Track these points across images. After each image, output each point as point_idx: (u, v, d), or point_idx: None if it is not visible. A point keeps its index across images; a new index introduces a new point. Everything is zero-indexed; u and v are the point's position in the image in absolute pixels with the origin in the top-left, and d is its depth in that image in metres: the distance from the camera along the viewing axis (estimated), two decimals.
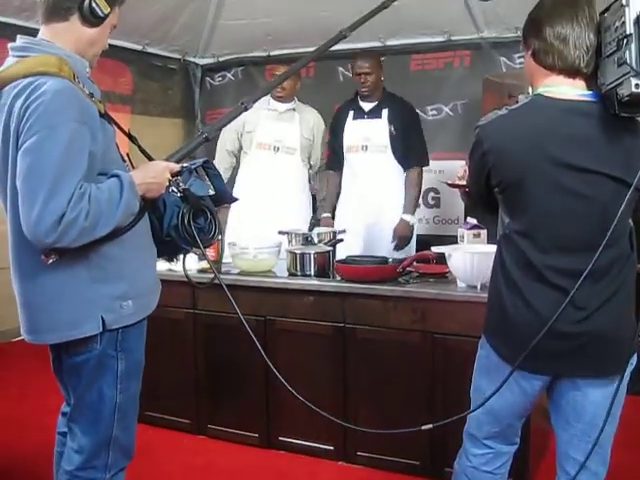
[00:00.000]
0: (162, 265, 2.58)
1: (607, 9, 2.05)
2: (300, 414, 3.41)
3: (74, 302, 2.21)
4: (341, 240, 3.96)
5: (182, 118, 6.82)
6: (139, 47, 6.02)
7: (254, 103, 2.64)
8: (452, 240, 3.78)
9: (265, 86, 2.75)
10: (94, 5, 2.17)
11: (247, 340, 2.91)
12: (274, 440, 3.78)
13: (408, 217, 4.66)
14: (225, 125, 2.66)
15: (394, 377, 3.42)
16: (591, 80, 2.14)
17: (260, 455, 3.78)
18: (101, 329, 2.23)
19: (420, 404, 3.32)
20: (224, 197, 2.57)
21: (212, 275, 2.51)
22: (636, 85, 1.88)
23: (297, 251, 3.70)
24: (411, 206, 4.69)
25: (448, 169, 5.64)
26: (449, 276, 3.44)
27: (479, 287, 3.19)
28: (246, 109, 2.60)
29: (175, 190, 2.34)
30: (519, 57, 5.63)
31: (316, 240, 3.84)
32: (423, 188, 4.96)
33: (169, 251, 2.53)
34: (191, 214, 2.34)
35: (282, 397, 3.59)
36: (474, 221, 3.61)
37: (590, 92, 2.13)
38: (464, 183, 2.91)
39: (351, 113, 4.75)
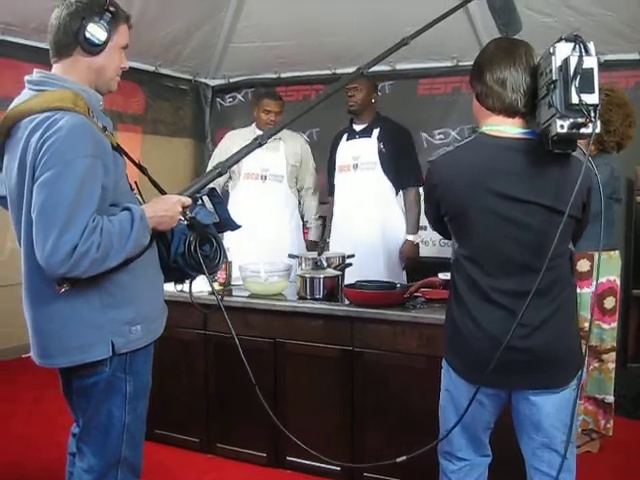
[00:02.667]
0: (172, 287, 2.64)
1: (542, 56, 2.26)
2: (308, 434, 3.46)
3: (85, 327, 2.27)
4: (350, 264, 4.02)
5: (192, 138, 6.89)
6: (152, 68, 6.11)
7: (269, 139, 2.73)
8: None
9: (281, 122, 2.82)
10: (89, 35, 2.23)
11: (256, 361, 3.00)
12: (282, 460, 3.83)
13: (412, 237, 4.75)
14: (239, 160, 2.73)
15: (401, 401, 3.47)
16: (531, 118, 2.34)
17: (268, 474, 3.83)
18: (111, 353, 2.29)
19: (426, 427, 3.37)
20: (228, 224, 2.64)
21: (224, 297, 2.60)
22: (561, 126, 2.09)
23: (307, 275, 3.77)
24: (413, 226, 4.78)
25: None
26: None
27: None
28: (260, 145, 2.66)
29: (182, 218, 2.42)
30: None
31: (325, 264, 3.91)
32: None
33: (176, 277, 2.59)
34: (197, 242, 2.42)
35: (290, 417, 3.65)
36: None
37: (528, 130, 2.33)
38: None
39: (345, 136, 4.89)
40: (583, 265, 3.99)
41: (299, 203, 5.27)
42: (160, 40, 5.68)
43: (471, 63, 5.82)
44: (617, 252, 4.10)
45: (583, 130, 2.09)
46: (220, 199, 2.61)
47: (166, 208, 2.34)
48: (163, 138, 6.41)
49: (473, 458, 2.59)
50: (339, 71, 6.24)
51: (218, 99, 7.02)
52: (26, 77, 2.31)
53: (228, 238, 4.81)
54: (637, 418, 4.62)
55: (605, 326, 4.05)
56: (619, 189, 4.01)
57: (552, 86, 2.11)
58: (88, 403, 2.37)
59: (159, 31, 5.49)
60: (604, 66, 5.38)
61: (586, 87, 2.05)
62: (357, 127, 4.84)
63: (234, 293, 3.97)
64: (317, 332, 3.64)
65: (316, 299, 3.72)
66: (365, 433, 3.58)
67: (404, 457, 2.40)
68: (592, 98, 2.05)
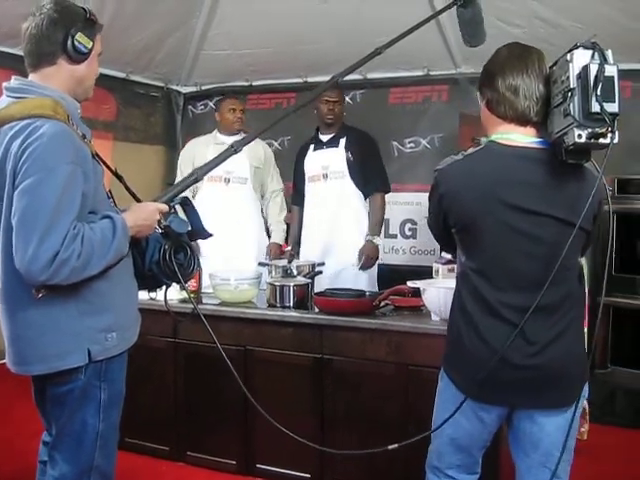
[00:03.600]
0: (144, 295, 2.65)
1: (555, 63, 2.22)
2: (278, 442, 3.47)
3: (62, 335, 2.26)
4: (320, 272, 4.05)
5: (163, 145, 6.86)
6: (123, 75, 6.07)
7: (244, 146, 2.76)
8: (428, 270, 3.88)
9: (257, 129, 2.80)
10: (77, 43, 2.27)
11: (226, 369, 3.00)
12: (252, 467, 3.83)
13: (374, 239, 4.81)
14: (214, 167, 2.73)
15: (370, 407, 3.49)
16: (542, 127, 2.29)
17: None
18: (87, 360, 2.29)
19: (395, 434, 3.38)
20: (200, 233, 2.66)
21: (192, 306, 2.61)
22: (579, 135, 2.03)
23: (277, 283, 3.79)
24: (376, 228, 4.86)
25: (425, 201, 5.69)
26: (424, 309, 3.52)
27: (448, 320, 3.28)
28: (236, 152, 2.70)
29: (156, 227, 2.45)
30: None
31: (295, 272, 3.93)
32: (400, 219, 5.11)
33: (150, 285, 2.61)
34: (172, 250, 2.45)
35: (260, 425, 3.65)
36: (449, 256, 3.71)
37: (540, 139, 2.28)
38: None
39: (311, 146, 4.98)
40: None
41: (262, 207, 5.30)
42: (132, 47, 5.65)
43: (441, 73, 5.90)
44: (583, 260, 4.14)
45: (602, 140, 2.05)
46: (193, 208, 2.63)
47: (145, 217, 2.37)
48: (134, 145, 6.37)
49: (462, 477, 2.51)
50: (311, 79, 6.25)
51: (190, 106, 7.00)
52: (4, 84, 2.33)
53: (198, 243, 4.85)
54: (605, 423, 4.67)
55: None
56: None
57: (569, 94, 2.06)
58: (62, 411, 2.37)
59: (131, 38, 5.47)
60: None
61: (607, 95, 2.00)
62: (324, 137, 4.95)
63: (204, 301, 3.98)
64: (287, 340, 3.65)
65: (286, 307, 3.74)
66: (335, 440, 3.58)
67: (396, 445, 2.36)
68: (613, 107, 2.01)
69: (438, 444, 2.50)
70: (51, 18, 2.25)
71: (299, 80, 6.36)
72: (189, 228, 2.55)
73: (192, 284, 4.00)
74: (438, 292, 3.31)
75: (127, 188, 2.49)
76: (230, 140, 4.95)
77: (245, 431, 3.80)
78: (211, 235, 2.69)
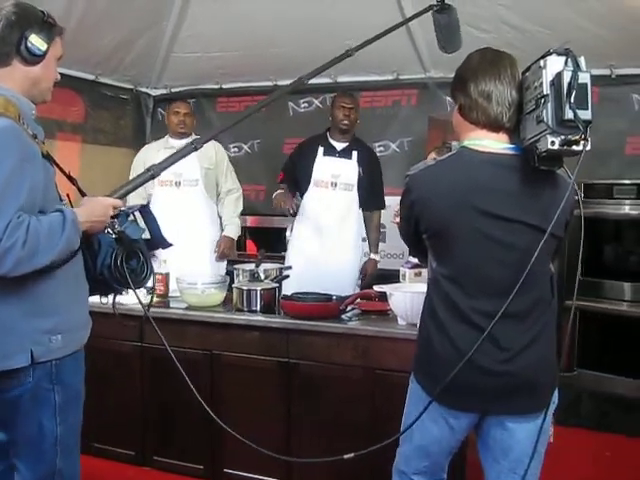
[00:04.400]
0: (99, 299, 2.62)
1: (528, 69, 2.22)
2: (246, 446, 3.45)
3: (5, 335, 2.23)
4: (287, 276, 4.04)
5: (133, 148, 6.75)
6: (91, 77, 6.01)
7: (204, 144, 2.75)
8: (396, 274, 3.90)
9: (219, 127, 2.75)
10: (30, 45, 2.27)
11: (193, 373, 2.97)
12: (219, 472, 3.82)
13: (377, 257, 4.93)
14: (172, 164, 2.72)
15: (337, 412, 3.49)
16: (515, 133, 2.28)
17: None
18: (30, 362, 2.25)
19: (361, 438, 3.39)
20: (160, 242, 2.66)
21: (160, 309, 2.58)
22: (552, 142, 2.04)
23: (244, 287, 3.78)
24: (376, 246, 5.01)
25: (394, 204, 5.68)
26: (390, 313, 3.53)
27: (418, 325, 3.30)
28: (195, 149, 2.70)
29: (110, 232, 2.44)
30: None
31: (263, 276, 3.92)
32: None
33: (101, 289, 2.55)
34: (124, 256, 2.42)
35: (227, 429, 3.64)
36: (415, 260, 3.72)
37: (513, 145, 2.27)
38: None
39: (321, 149, 4.90)
40: None
41: (217, 207, 5.28)
42: (101, 48, 5.60)
43: (410, 77, 5.91)
44: (551, 265, 4.18)
45: (574, 147, 2.05)
46: (153, 216, 2.62)
47: (98, 213, 2.37)
48: (103, 148, 6.31)
49: None
50: (280, 82, 6.24)
51: (159, 109, 6.95)
52: None
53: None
54: (570, 426, 4.71)
55: None
56: None
57: (542, 101, 2.06)
58: (16, 416, 2.33)
59: (99, 39, 5.42)
60: None
61: (580, 103, 2.00)
62: (337, 145, 4.92)
63: (171, 305, 3.95)
64: (253, 344, 3.64)
65: (253, 311, 3.73)
66: (302, 444, 3.58)
67: (352, 454, 2.32)
68: (586, 114, 2.00)
69: (406, 449, 2.50)
70: (8, 20, 2.27)
71: (269, 83, 6.36)
72: (145, 235, 2.55)
73: (159, 288, 3.99)
74: (404, 296, 3.32)
75: (80, 191, 2.47)
76: (180, 144, 4.94)
77: (212, 435, 3.79)
78: (171, 245, 2.68)
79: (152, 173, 2.57)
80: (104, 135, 6.39)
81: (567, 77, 2.00)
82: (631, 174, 5.25)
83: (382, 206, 5.04)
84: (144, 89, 6.81)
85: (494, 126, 2.27)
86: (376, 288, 3.50)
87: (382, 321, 3.52)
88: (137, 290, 2.51)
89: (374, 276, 4.90)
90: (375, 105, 6.10)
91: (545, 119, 2.04)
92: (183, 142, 4.89)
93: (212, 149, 5.15)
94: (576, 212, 4.95)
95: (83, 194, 2.45)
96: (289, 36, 5.47)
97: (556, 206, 2.11)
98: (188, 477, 3.88)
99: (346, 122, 4.84)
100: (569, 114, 1.99)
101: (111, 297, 2.58)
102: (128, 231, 2.45)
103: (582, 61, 2.05)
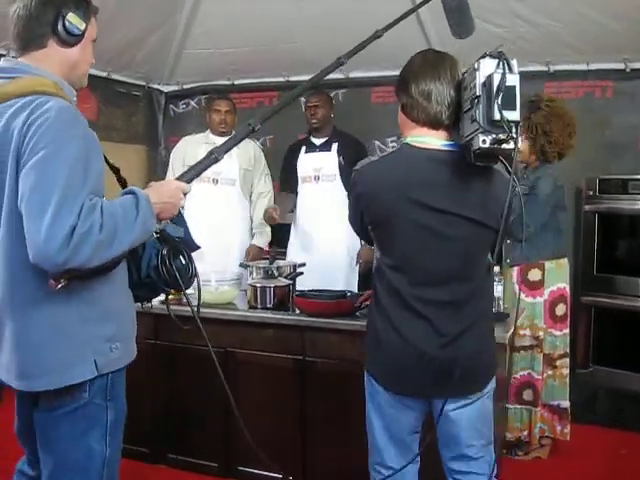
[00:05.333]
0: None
1: (467, 70, 2.32)
2: (259, 444, 3.44)
3: (64, 342, 2.04)
4: (301, 273, 4.03)
5: (145, 145, 6.81)
6: (104, 74, 6.02)
7: (224, 154, 2.53)
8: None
9: (236, 136, 2.62)
10: (68, 24, 2.09)
11: (207, 370, 2.95)
12: (233, 469, 3.82)
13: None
14: (234, 146, 2.63)
15: (351, 409, 3.46)
16: (455, 131, 2.40)
17: None
18: (96, 373, 2.09)
19: None
20: (188, 245, 2.46)
21: (175, 306, 2.44)
22: (483, 141, 2.15)
23: (257, 284, 3.77)
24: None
25: None
26: None
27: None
28: (217, 160, 2.48)
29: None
30: None
31: (276, 273, 3.91)
32: None
33: (144, 295, 2.39)
34: (171, 255, 2.25)
35: (241, 427, 3.64)
36: None
37: (451, 142, 2.40)
38: None
39: (304, 148, 5.03)
40: (535, 274, 4.07)
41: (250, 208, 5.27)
42: (113, 45, 5.60)
43: None
44: (565, 259, 4.17)
45: (505, 146, 2.16)
46: (183, 218, 2.44)
47: (170, 194, 2.20)
48: (115, 145, 6.30)
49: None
50: (293, 78, 6.23)
51: (171, 105, 6.95)
52: None
53: None
54: (586, 423, 4.69)
55: (557, 333, 4.14)
56: (563, 197, 4.10)
57: (475, 101, 2.16)
58: (62, 438, 2.11)
59: (111, 36, 5.40)
60: (554, 76, 5.54)
61: (508, 104, 2.10)
62: (316, 141, 5.01)
63: (184, 301, 3.93)
64: (268, 341, 3.64)
65: (267, 308, 3.72)
66: (316, 442, 3.58)
67: None
68: (514, 115, 2.10)
69: (374, 440, 2.62)
70: None
71: (281, 79, 6.34)
72: (181, 234, 2.38)
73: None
74: None
75: (121, 180, 2.31)
76: (221, 141, 4.93)
77: (226, 433, 3.78)
78: (199, 247, 2.52)
79: (215, 156, 2.41)
80: (117, 132, 6.40)
81: (497, 79, 2.10)
82: None
83: None
84: (156, 86, 6.80)
85: (434, 124, 2.39)
86: None
87: None
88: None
89: (370, 263, 4.84)
90: (387, 101, 6.05)
91: (477, 118, 2.14)
92: (223, 139, 4.86)
93: (251, 150, 5.17)
94: (590, 207, 5.00)
95: (124, 185, 2.27)
96: (301, 31, 5.45)
97: (491, 200, 2.33)
98: (202, 475, 3.88)
99: (314, 120, 4.96)
100: (497, 115, 2.09)
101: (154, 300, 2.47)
102: (169, 229, 2.28)
103: (514, 64, 2.13)
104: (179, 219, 2.39)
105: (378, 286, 2.50)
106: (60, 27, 2.09)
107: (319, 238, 4.96)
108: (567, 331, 4.19)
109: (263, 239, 5.17)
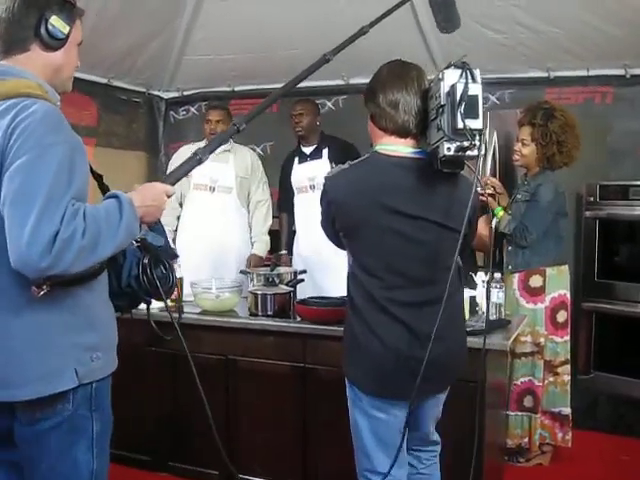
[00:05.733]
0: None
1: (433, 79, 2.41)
2: (260, 452, 3.45)
3: (43, 351, 1.99)
4: (302, 280, 4.03)
5: (145, 151, 6.80)
6: (104, 80, 6.01)
7: (209, 155, 2.44)
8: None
9: (220, 136, 2.59)
10: (51, 28, 2.05)
11: (208, 378, 2.94)
12: (234, 477, 3.80)
13: None
14: (217, 147, 2.61)
15: None
16: (422, 138, 2.50)
17: None
18: (77, 383, 2.03)
19: None
20: (166, 253, 2.39)
21: (174, 314, 2.38)
22: (448, 148, 2.25)
23: (258, 291, 3.76)
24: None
25: None
26: None
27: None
28: (200, 162, 2.39)
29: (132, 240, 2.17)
30: None
31: (277, 281, 3.91)
32: None
33: (124, 304, 2.34)
34: (152, 263, 2.22)
35: (242, 434, 3.64)
36: None
37: (419, 150, 2.49)
38: None
39: (296, 159, 5.06)
40: (536, 281, 4.08)
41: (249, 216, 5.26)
42: (113, 52, 5.60)
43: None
44: (566, 266, 4.18)
45: (469, 153, 2.26)
46: (161, 226, 2.37)
47: (153, 197, 2.14)
48: (116, 151, 6.30)
49: (394, 471, 2.61)
50: None
51: (171, 112, 6.96)
52: None
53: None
54: (587, 429, 4.69)
55: (558, 339, 4.14)
56: (564, 204, 4.12)
57: (440, 110, 2.26)
58: (47, 452, 2.05)
59: (112, 43, 5.42)
60: (554, 82, 5.54)
61: (471, 113, 2.20)
62: (306, 150, 5.05)
63: (185, 309, 3.93)
64: (269, 349, 3.63)
65: (268, 315, 3.72)
66: (317, 448, 3.57)
67: None
68: (476, 123, 2.20)
69: (362, 446, 2.65)
70: (24, 0, 2.05)
71: (281, 85, 6.34)
72: (163, 243, 2.32)
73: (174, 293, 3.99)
74: None
75: (103, 187, 2.23)
76: (218, 149, 4.94)
77: (227, 440, 3.77)
78: (177, 256, 2.49)
79: (200, 157, 2.35)
80: (117, 138, 6.39)
81: (460, 89, 2.19)
82: None
83: None
84: (156, 92, 6.80)
85: (401, 133, 2.48)
86: None
87: None
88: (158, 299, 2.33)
89: None
90: None
91: (442, 127, 2.25)
92: (221, 147, 4.88)
93: (249, 158, 5.18)
94: (590, 214, 5.01)
95: (105, 191, 2.18)
96: (302, 38, 5.45)
97: (458, 205, 2.40)
98: None
99: (298, 129, 5.00)
100: (460, 123, 2.19)
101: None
102: (150, 238, 2.21)
103: (477, 74, 2.23)
104: (158, 228, 2.33)
105: (353, 291, 2.57)
106: (43, 31, 2.05)
107: (318, 247, 4.85)
108: (568, 338, 4.19)
109: (262, 247, 5.15)
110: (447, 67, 2.26)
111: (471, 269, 3.87)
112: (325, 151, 4.95)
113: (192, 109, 6.90)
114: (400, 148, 2.48)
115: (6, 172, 1.86)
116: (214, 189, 5.02)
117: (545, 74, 5.53)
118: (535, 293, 4.08)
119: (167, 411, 3.94)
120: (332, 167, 4.78)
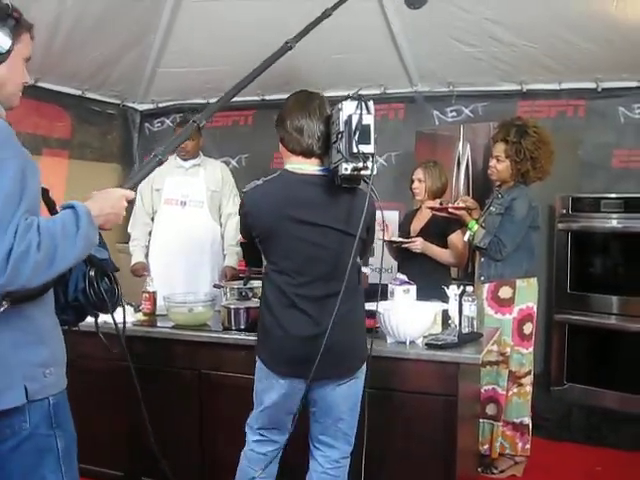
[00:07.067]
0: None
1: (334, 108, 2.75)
2: (235, 466, 3.41)
3: None
4: None
5: (120, 163, 6.78)
6: (78, 92, 5.99)
7: (167, 155, 2.38)
8: (385, 288, 3.88)
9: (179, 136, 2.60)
10: None
11: (181, 392, 2.92)
12: None
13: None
14: (178, 146, 2.69)
15: None
16: (326, 158, 2.86)
17: None
18: (25, 399, 1.95)
19: (358, 454, 3.37)
20: (110, 265, 2.31)
21: (148, 328, 2.36)
22: (345, 168, 2.63)
23: (231, 306, 3.75)
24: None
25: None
26: (379, 330, 3.51)
27: (407, 343, 3.32)
28: (161, 163, 2.34)
29: None
30: (451, 111, 5.86)
31: (250, 294, 3.90)
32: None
33: (71, 319, 2.26)
34: (99, 277, 2.18)
35: (216, 448, 3.62)
36: (404, 277, 3.72)
37: (322, 168, 2.88)
38: (394, 239, 4.21)
39: None
40: (505, 292, 4.11)
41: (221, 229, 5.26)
42: (88, 64, 5.58)
43: (398, 91, 6.00)
44: (535, 279, 4.22)
45: (362, 172, 2.63)
46: (102, 239, 2.25)
47: (112, 204, 2.10)
48: (90, 163, 6.28)
49: (271, 436, 3.08)
50: (268, 97, 6.27)
51: (146, 124, 6.96)
52: None
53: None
54: (561, 440, 4.71)
55: (524, 351, 4.19)
56: (537, 218, 4.17)
57: (340, 136, 2.62)
58: (11, 476, 2.00)
59: (86, 55, 5.40)
60: (527, 95, 5.60)
61: (364, 139, 2.57)
62: None
63: (158, 323, 3.92)
64: (242, 363, 3.60)
65: (240, 330, 3.70)
66: (297, 459, 3.54)
67: None
68: (368, 148, 2.58)
69: (255, 411, 3.07)
70: None
71: (257, 98, 6.37)
72: (107, 256, 2.28)
73: (147, 306, 3.98)
74: (394, 315, 3.37)
75: (49, 203, 2.15)
76: (188, 164, 5.03)
77: (202, 455, 3.76)
78: (118, 270, 2.43)
79: (159, 158, 2.29)
80: (91, 150, 6.38)
81: (355, 119, 2.58)
82: (618, 188, 5.29)
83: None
84: (131, 104, 6.80)
85: (306, 154, 2.86)
86: (366, 305, 3.49)
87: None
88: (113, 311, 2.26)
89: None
90: None
91: (341, 150, 2.62)
92: (191, 162, 5.07)
93: (219, 172, 5.19)
94: (563, 226, 5.05)
95: (51, 206, 2.14)
96: (275, 51, 5.47)
97: (356, 213, 2.77)
98: None
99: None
100: (355, 148, 2.57)
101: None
102: (94, 251, 2.13)
103: (371, 105, 2.62)
104: (101, 241, 2.23)
105: (267, 290, 2.94)
106: None
107: None
108: (532, 349, 4.24)
109: (234, 259, 5.16)
110: (345, 99, 2.61)
111: (445, 282, 3.89)
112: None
113: (167, 121, 6.92)
114: (305, 167, 2.86)
115: None
116: (185, 203, 5.03)
117: (518, 87, 5.60)
118: (504, 304, 4.11)
119: (140, 425, 3.89)
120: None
